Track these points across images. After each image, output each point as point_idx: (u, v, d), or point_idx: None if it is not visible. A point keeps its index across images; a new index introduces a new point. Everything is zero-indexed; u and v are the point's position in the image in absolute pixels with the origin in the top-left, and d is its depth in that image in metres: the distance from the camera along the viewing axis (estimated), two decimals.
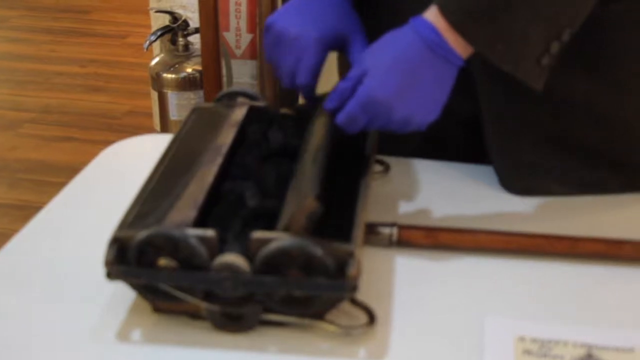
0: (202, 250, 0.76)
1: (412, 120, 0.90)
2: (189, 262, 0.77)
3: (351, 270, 0.75)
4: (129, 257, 0.78)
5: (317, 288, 0.77)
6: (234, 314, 0.80)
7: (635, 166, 1.06)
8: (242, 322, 0.80)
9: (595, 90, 1.01)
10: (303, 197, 0.80)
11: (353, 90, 0.90)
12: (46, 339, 0.80)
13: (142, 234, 0.77)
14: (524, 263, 0.92)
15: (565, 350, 0.78)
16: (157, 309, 0.83)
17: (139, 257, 0.78)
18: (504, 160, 1.06)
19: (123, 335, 0.81)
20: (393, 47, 0.90)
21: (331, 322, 0.80)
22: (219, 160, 0.91)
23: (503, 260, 0.93)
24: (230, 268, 0.76)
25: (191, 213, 0.81)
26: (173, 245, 0.77)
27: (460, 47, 0.87)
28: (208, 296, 0.78)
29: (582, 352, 0.78)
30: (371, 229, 0.93)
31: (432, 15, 0.88)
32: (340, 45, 1.00)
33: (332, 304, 0.79)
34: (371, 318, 0.81)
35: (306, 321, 0.80)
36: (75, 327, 0.82)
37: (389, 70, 0.89)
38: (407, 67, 0.88)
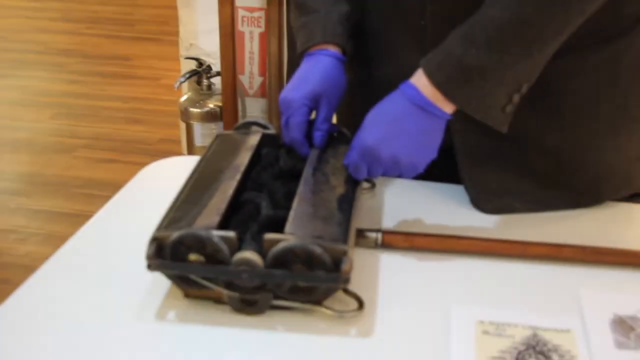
0: (224, 247, 0.78)
1: (400, 161, 0.91)
2: (214, 257, 0.79)
3: (345, 266, 0.77)
4: (165, 253, 0.80)
5: (317, 280, 0.78)
6: (250, 300, 0.81)
7: (578, 188, 1.06)
8: (256, 306, 0.82)
9: (544, 127, 1.01)
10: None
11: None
12: (98, 318, 0.82)
13: (175, 234, 0.79)
14: (484, 262, 0.93)
15: (516, 331, 0.80)
16: (187, 295, 0.84)
17: (173, 253, 0.79)
18: (474, 185, 1.07)
19: (160, 316, 0.83)
20: (382, 105, 0.92)
21: (328, 307, 0.81)
22: (237, 177, 0.92)
23: (467, 260, 0.94)
24: (247, 263, 0.78)
25: (215, 218, 0.82)
26: (201, 244, 0.78)
27: (443, 103, 0.89)
28: (229, 285, 0.80)
29: (529, 332, 0.79)
30: (360, 234, 0.94)
31: (417, 78, 0.90)
32: (318, 105, 1.00)
33: (329, 292, 0.81)
34: (360, 304, 0.83)
35: (308, 306, 0.81)
36: (121, 309, 0.83)
37: (374, 122, 0.92)
38: (391, 119, 0.91)
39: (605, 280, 0.91)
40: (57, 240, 0.94)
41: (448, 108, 0.90)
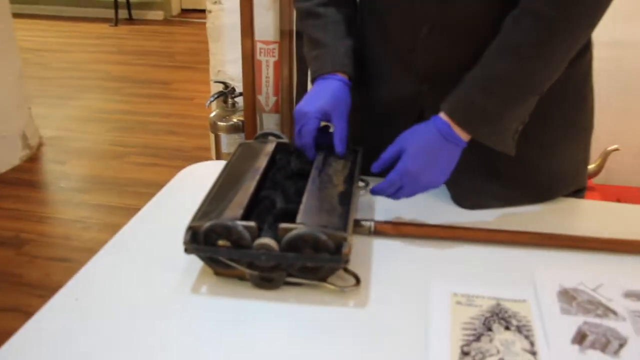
0: (247, 234, 0.77)
1: (431, 185, 0.92)
2: (238, 242, 0.78)
3: (345, 249, 0.77)
4: (199, 239, 0.79)
5: (322, 261, 0.78)
6: (267, 277, 0.80)
7: (537, 188, 1.05)
8: (273, 282, 0.81)
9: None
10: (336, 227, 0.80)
11: (391, 163, 0.92)
12: (144, 291, 0.81)
13: (207, 224, 0.78)
14: (458, 247, 0.93)
15: (483, 301, 0.79)
16: (217, 274, 0.84)
17: (206, 239, 0.79)
18: (455, 187, 1.06)
19: (195, 290, 0.82)
20: (420, 136, 0.91)
21: (331, 283, 0.81)
22: (257, 177, 0.92)
23: (444, 245, 0.93)
24: (265, 247, 0.77)
25: (239, 211, 0.82)
26: (227, 231, 0.78)
27: (464, 135, 0.89)
28: (250, 265, 0.79)
29: (493, 302, 0.79)
30: (357, 223, 0.94)
31: (445, 115, 0.90)
32: (327, 118, 0.99)
33: (332, 271, 0.80)
34: (357, 281, 0.82)
35: (315, 282, 0.81)
36: (163, 284, 0.83)
37: (418, 153, 0.90)
38: (430, 151, 0.90)
39: (553, 260, 0.90)
40: (113, 228, 0.94)
41: (467, 138, 0.90)
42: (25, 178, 3.07)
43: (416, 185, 0.91)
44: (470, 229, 0.95)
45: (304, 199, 0.86)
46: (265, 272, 0.80)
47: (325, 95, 0.99)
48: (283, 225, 0.78)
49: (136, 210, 1.02)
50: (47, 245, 2.47)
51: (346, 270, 0.83)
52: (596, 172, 1.93)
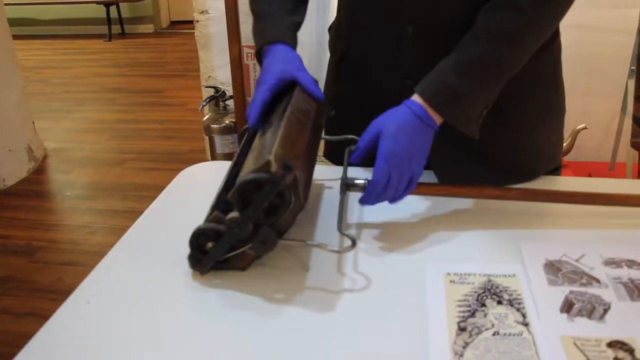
0: (219, 226, 0.76)
1: (417, 167, 0.87)
2: (219, 235, 0.77)
3: (272, 169, 0.72)
4: (198, 256, 0.80)
5: (266, 192, 0.73)
6: (260, 243, 0.77)
7: (519, 168, 1.04)
8: (267, 244, 0.78)
9: (492, 125, 0.95)
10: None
11: (369, 149, 0.87)
12: (152, 294, 0.79)
13: (190, 239, 0.78)
14: (448, 230, 0.91)
15: (475, 278, 0.78)
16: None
17: (200, 250, 0.79)
18: (442, 169, 1.04)
19: (204, 286, 0.80)
20: (395, 117, 0.86)
21: (331, 246, 0.79)
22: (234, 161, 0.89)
23: (436, 228, 0.92)
24: (232, 221, 0.75)
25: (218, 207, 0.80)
26: (205, 234, 0.77)
27: (436, 117, 0.86)
28: (241, 244, 0.77)
29: (484, 279, 0.78)
30: (351, 182, 0.90)
31: (416, 98, 0.86)
32: (288, 77, 0.91)
33: (285, 203, 0.75)
34: (353, 243, 0.79)
35: (313, 244, 0.80)
36: (171, 283, 0.81)
37: (397, 133, 0.84)
38: (408, 130, 0.85)
39: (538, 236, 0.89)
40: (118, 231, 0.92)
41: (438, 121, 0.87)
42: (33, 189, 3.03)
43: (405, 168, 0.85)
44: (463, 187, 0.93)
45: (247, 158, 0.82)
46: (254, 241, 0.77)
47: (275, 61, 0.93)
48: (229, 194, 0.75)
49: (139, 212, 1.00)
50: (58, 251, 2.45)
51: (344, 234, 0.81)
52: (567, 150, 1.93)
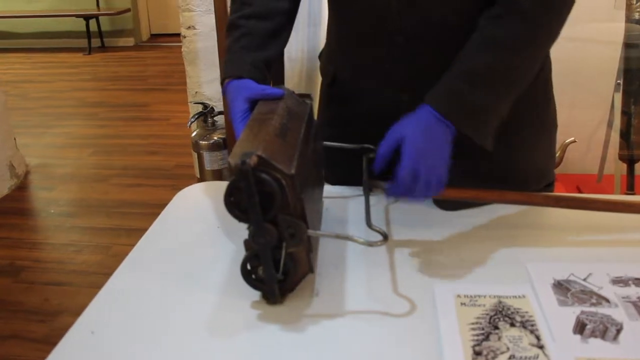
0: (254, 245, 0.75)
1: (443, 168, 0.85)
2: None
3: (249, 159, 0.69)
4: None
5: (245, 188, 0.71)
6: (290, 234, 0.74)
7: (513, 184, 0.99)
8: (296, 233, 0.74)
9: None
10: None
11: (390, 156, 0.85)
12: (158, 321, 0.77)
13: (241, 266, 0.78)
14: (456, 249, 0.91)
15: (485, 300, 0.78)
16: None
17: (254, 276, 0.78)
18: None
19: (215, 310, 0.78)
20: (415, 121, 0.85)
21: (363, 239, 0.77)
22: None
23: (442, 248, 0.91)
24: (251, 233, 0.74)
25: None
26: (252, 262, 0.77)
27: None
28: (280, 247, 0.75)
29: (495, 300, 0.78)
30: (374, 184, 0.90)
31: (430, 109, 0.86)
32: (254, 98, 0.92)
33: (273, 194, 0.72)
34: (385, 237, 0.79)
35: (343, 237, 0.78)
36: (174, 293, 0.79)
37: (420, 134, 0.84)
38: (430, 132, 0.84)
39: (544, 255, 0.89)
40: (104, 249, 0.92)
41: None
42: (15, 206, 2.98)
43: (433, 169, 0.83)
44: (482, 191, 0.92)
45: None
46: (285, 238, 0.74)
47: (239, 90, 0.93)
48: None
49: (125, 230, 1.00)
50: (43, 270, 2.39)
51: (373, 229, 0.82)
52: (557, 164, 1.95)
